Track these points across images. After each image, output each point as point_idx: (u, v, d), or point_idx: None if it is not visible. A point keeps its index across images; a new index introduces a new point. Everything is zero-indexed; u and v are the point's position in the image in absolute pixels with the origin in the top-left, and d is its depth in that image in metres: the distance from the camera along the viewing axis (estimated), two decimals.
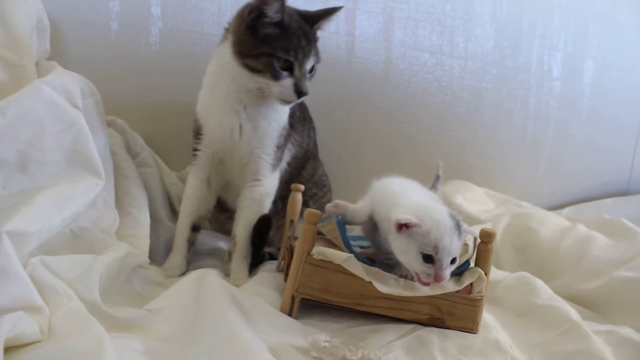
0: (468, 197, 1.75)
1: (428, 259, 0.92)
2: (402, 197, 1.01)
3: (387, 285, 0.98)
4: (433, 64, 1.81)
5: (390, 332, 1.02)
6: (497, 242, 1.59)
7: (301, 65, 1.18)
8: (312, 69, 1.22)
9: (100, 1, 1.59)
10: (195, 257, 1.40)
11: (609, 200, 1.92)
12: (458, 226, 0.94)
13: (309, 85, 1.20)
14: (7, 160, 1.03)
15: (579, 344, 1.07)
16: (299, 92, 1.18)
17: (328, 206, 1.12)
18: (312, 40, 1.22)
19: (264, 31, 1.15)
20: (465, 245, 1.03)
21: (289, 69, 1.17)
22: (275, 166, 1.32)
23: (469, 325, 1.06)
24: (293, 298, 1.04)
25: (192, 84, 1.63)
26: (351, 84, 1.76)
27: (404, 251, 0.94)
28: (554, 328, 1.13)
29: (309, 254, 1.02)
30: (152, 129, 1.61)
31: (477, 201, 1.77)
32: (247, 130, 1.25)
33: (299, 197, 1.31)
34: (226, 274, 1.28)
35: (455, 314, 1.06)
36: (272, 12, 1.14)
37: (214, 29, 1.65)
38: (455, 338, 1.04)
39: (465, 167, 1.86)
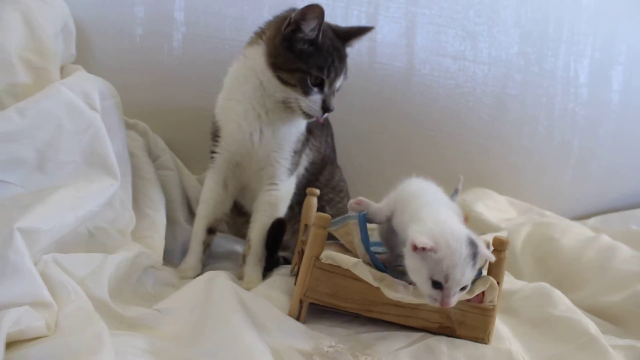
0: (489, 205, 1.72)
1: (437, 285, 0.89)
2: (424, 210, 0.97)
3: (395, 292, 0.97)
4: (455, 70, 1.79)
5: (398, 340, 1.01)
6: (517, 252, 1.55)
7: (331, 84, 1.21)
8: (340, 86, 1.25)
9: (126, 6, 1.63)
10: (211, 260, 1.41)
11: (638, 211, 1.86)
12: (474, 255, 0.90)
13: (335, 102, 1.22)
14: (26, 160, 1.06)
15: (595, 358, 1.03)
16: (326, 108, 1.20)
17: (351, 202, 1.11)
18: (343, 58, 1.25)
19: (300, 47, 1.17)
20: None
21: (320, 85, 1.19)
22: (292, 171, 1.32)
23: (480, 335, 1.04)
24: (301, 302, 1.04)
25: (214, 89, 1.65)
26: (372, 89, 1.75)
27: (415, 271, 0.91)
28: (571, 341, 1.09)
29: (317, 258, 1.01)
30: (174, 133, 1.63)
31: (499, 209, 1.73)
32: (267, 134, 1.26)
33: (314, 201, 1.30)
34: (239, 277, 1.29)
35: (466, 323, 1.03)
36: (308, 29, 1.16)
37: (236, 35, 1.67)
38: (465, 348, 1.01)
39: (487, 175, 1.83)
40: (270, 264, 1.31)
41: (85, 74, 1.26)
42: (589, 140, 1.90)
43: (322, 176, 1.44)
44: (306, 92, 1.19)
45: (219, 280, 1.08)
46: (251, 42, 1.28)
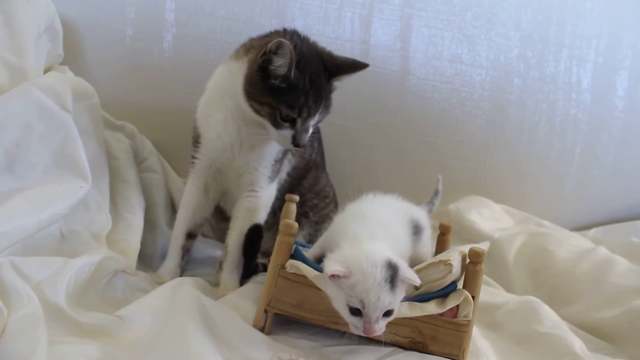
0: (484, 213, 1.66)
1: (355, 312, 0.86)
2: (348, 239, 0.95)
3: None
4: (452, 74, 1.74)
5: (366, 355, 0.97)
6: (510, 263, 1.50)
7: (304, 122, 1.16)
8: (321, 120, 1.21)
9: (116, 7, 1.62)
10: (192, 265, 1.39)
11: None
12: (392, 278, 0.86)
13: (307, 138, 1.18)
14: None
15: None
16: (296, 144, 1.16)
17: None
18: (322, 97, 1.17)
19: (272, 81, 1.12)
20: (449, 265, 0.96)
21: (291, 121, 1.15)
22: (272, 178, 1.30)
23: (454, 351, 0.99)
24: (266, 312, 1.00)
25: (204, 91, 1.66)
26: (366, 93, 1.71)
27: (334, 300, 0.89)
28: (554, 359, 1.04)
29: (282, 267, 0.98)
30: (162, 135, 1.62)
31: (494, 218, 1.68)
32: (246, 146, 1.24)
33: (292, 207, 1.27)
34: (216, 284, 1.26)
35: (438, 338, 0.99)
36: (278, 64, 1.11)
37: (227, 36, 1.65)
38: None
39: (484, 182, 1.77)
40: (248, 271, 1.28)
41: (58, 74, 1.25)
42: (592, 148, 1.83)
43: (305, 181, 1.41)
44: (276, 126, 1.14)
45: (184, 287, 1.05)
46: (237, 55, 1.24)
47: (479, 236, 1.53)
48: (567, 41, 1.78)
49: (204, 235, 1.55)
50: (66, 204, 1.09)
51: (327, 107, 1.20)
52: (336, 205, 1.51)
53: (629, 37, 1.82)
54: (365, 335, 0.88)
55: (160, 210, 1.44)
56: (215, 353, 0.85)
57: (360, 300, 0.85)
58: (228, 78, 1.23)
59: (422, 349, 0.99)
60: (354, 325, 0.88)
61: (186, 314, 0.94)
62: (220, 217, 1.47)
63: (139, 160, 1.50)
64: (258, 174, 1.26)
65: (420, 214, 1.13)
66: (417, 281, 0.89)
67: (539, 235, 1.55)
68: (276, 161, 1.28)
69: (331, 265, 0.87)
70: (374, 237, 0.94)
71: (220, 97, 1.24)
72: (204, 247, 1.47)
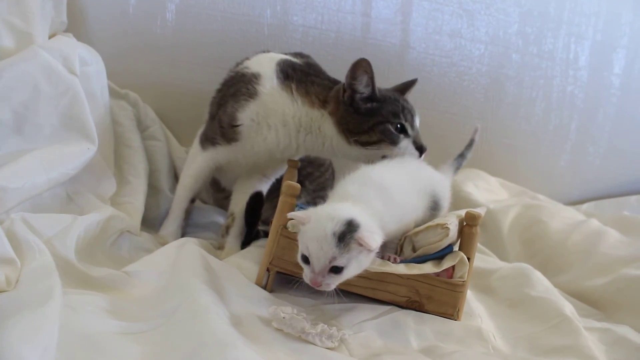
0: (480, 185, 1.69)
1: (305, 259, 0.90)
2: (338, 195, 0.98)
3: None
4: (451, 48, 1.75)
5: (364, 312, 1.00)
6: (504, 233, 1.54)
7: (412, 124, 1.18)
8: None
9: None
10: (192, 229, 1.41)
11: (633, 198, 1.82)
12: (344, 235, 0.87)
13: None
14: (2, 121, 1.07)
15: (566, 338, 1.02)
16: (420, 148, 1.18)
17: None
18: (408, 101, 1.23)
19: (365, 106, 1.15)
20: (447, 229, 1.00)
21: (403, 130, 1.17)
22: None
23: (449, 310, 1.03)
24: (268, 271, 1.04)
25: (207, 60, 1.67)
26: None
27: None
28: (544, 321, 1.08)
29: (284, 226, 1.01)
30: (165, 104, 1.63)
31: (490, 191, 1.71)
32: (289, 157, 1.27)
33: (294, 173, 1.30)
34: (219, 248, 1.29)
35: (434, 298, 1.02)
36: (362, 86, 1.14)
37: (229, 7, 1.65)
38: (433, 323, 1.01)
39: (481, 156, 1.79)
40: (249, 238, 1.31)
41: (65, 38, 1.26)
42: (587, 124, 1.85)
43: None
44: (394, 142, 1.15)
45: (188, 246, 1.08)
46: (311, 103, 1.19)
47: (475, 207, 1.55)
48: (566, 18, 1.80)
49: (202, 201, 1.58)
50: (74, 165, 1.11)
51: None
52: (333, 174, 1.54)
53: (628, 15, 1.84)
54: (312, 286, 0.90)
55: (163, 176, 1.46)
56: (221, 305, 0.88)
57: (307, 247, 0.88)
58: (302, 118, 1.20)
59: (418, 307, 1.03)
60: (305, 273, 0.91)
61: (191, 269, 0.97)
62: (216, 187, 1.50)
63: (142, 128, 1.52)
64: (282, 169, 1.33)
65: (443, 190, 1.11)
66: (371, 246, 0.88)
67: (533, 207, 1.58)
68: None
69: (294, 213, 0.91)
70: (364, 201, 0.94)
71: (284, 120, 1.20)
72: (204, 212, 1.50)
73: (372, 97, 1.15)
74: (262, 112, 1.20)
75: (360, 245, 0.88)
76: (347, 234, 0.87)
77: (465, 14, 1.74)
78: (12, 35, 1.20)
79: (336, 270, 0.88)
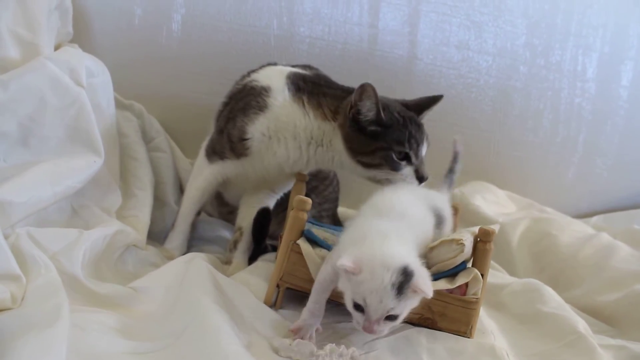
0: (488, 198, 1.68)
1: (358, 307, 0.86)
2: (372, 233, 0.92)
3: None
4: (459, 60, 1.74)
5: None
6: (514, 247, 1.52)
7: (417, 153, 1.15)
8: None
9: None
10: (198, 242, 1.40)
11: None
12: (402, 285, 0.84)
13: (427, 169, 1.17)
14: (8, 133, 1.05)
15: (581, 357, 1.01)
16: (421, 177, 1.15)
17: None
18: (420, 126, 1.19)
19: (370, 129, 1.13)
20: (462, 245, 0.98)
21: (406, 158, 1.14)
22: None
23: (462, 328, 1.01)
24: (278, 287, 1.02)
25: (213, 71, 1.66)
26: (372, 77, 1.67)
27: (344, 290, 0.89)
28: (558, 338, 1.06)
29: (295, 242, 0.99)
30: (170, 115, 1.62)
31: (498, 203, 1.69)
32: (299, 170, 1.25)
33: (302, 186, 1.28)
34: (226, 262, 1.27)
35: (447, 315, 1.00)
36: (365, 109, 1.11)
37: (235, 17, 1.65)
38: (446, 341, 0.99)
39: (489, 168, 1.78)
40: (257, 253, 1.29)
41: (73, 50, 1.25)
42: (595, 136, 1.84)
43: None
44: (395, 168, 1.13)
45: (197, 261, 1.06)
46: (323, 116, 1.18)
47: (484, 220, 1.54)
48: (574, 30, 1.79)
49: (208, 214, 1.57)
50: (80, 178, 1.10)
51: (427, 137, 1.20)
52: (337, 185, 1.52)
53: (636, 27, 1.83)
54: (364, 332, 0.87)
55: (168, 189, 1.45)
56: (231, 324, 0.87)
57: (363, 298, 0.85)
58: (314, 131, 1.19)
59: (431, 325, 1.01)
60: (356, 320, 0.88)
61: (200, 286, 0.95)
62: (220, 201, 1.49)
63: (147, 139, 1.50)
64: (290, 184, 1.30)
65: (443, 203, 1.11)
66: (429, 294, 0.86)
67: (543, 220, 1.56)
68: None
69: (344, 258, 0.85)
70: (398, 236, 0.92)
71: (294, 134, 1.19)
72: (210, 226, 1.49)
73: (377, 120, 1.13)
74: (273, 125, 1.18)
75: (415, 292, 0.86)
76: (405, 283, 0.85)
77: (473, 25, 1.74)
78: (18, 46, 1.19)
79: (391, 318, 0.87)
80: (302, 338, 0.90)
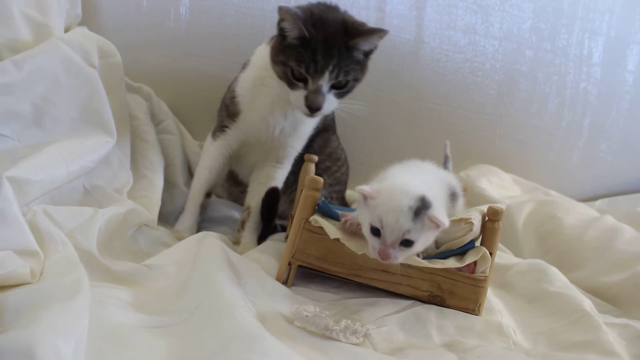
0: (493, 181, 1.69)
1: (375, 231, 0.90)
2: (391, 174, 0.99)
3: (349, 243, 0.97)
4: (465, 44, 1.75)
5: (386, 307, 1.00)
6: (519, 229, 1.53)
7: (314, 80, 1.13)
8: (343, 86, 1.16)
9: None
10: (207, 224, 1.41)
11: None
12: (419, 210, 0.88)
13: (324, 102, 1.14)
14: (22, 113, 1.06)
15: (587, 334, 1.02)
16: (309, 105, 1.14)
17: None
18: (334, 56, 1.12)
19: (288, 41, 1.14)
20: (470, 223, 0.99)
21: (304, 81, 1.14)
22: (300, 151, 1.34)
23: (471, 305, 1.03)
24: (290, 265, 1.03)
25: (220, 54, 1.66)
26: (379, 61, 1.68)
27: (362, 221, 0.93)
28: (564, 316, 1.08)
29: (307, 220, 1.01)
30: (178, 98, 1.63)
31: (503, 186, 1.71)
32: (289, 129, 1.27)
33: (311, 167, 1.29)
34: (235, 242, 1.29)
35: (456, 293, 1.02)
36: (289, 27, 1.12)
37: (243, 0, 1.65)
38: (454, 318, 1.01)
39: (493, 151, 1.80)
40: (266, 232, 1.31)
41: (84, 31, 1.25)
42: (600, 121, 1.85)
43: (315, 143, 1.42)
44: (290, 86, 1.15)
45: (209, 240, 1.08)
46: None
47: (489, 202, 1.53)
48: (580, 14, 1.79)
49: (217, 195, 1.58)
50: (94, 157, 1.11)
51: (346, 71, 1.15)
52: (348, 168, 1.54)
53: None
54: (380, 259, 0.90)
55: (178, 171, 1.46)
56: (245, 299, 0.88)
57: (380, 219, 0.88)
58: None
59: (440, 302, 1.03)
60: (372, 245, 0.91)
61: (214, 262, 0.96)
62: (233, 181, 1.50)
63: (155, 121, 1.52)
64: (291, 150, 1.32)
65: (455, 181, 1.13)
66: (446, 224, 0.90)
67: (548, 202, 1.57)
68: (308, 137, 1.33)
69: (362, 186, 0.91)
70: (419, 179, 0.96)
71: (266, 77, 1.22)
72: (220, 207, 1.50)
73: (300, 37, 1.11)
74: (251, 75, 1.25)
75: (432, 222, 0.89)
76: (422, 209, 0.88)
77: (480, 9, 1.74)
78: (30, 27, 1.19)
79: (406, 243, 0.90)
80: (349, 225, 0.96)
